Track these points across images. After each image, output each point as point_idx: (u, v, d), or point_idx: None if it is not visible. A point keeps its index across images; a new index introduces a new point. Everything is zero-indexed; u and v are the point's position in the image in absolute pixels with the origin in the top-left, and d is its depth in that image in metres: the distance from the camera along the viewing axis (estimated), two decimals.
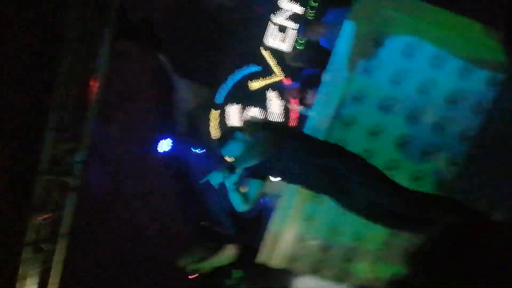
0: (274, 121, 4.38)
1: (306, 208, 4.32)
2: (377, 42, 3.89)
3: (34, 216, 5.14)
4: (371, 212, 3.28)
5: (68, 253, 5.66)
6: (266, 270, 4.45)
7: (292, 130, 3.60)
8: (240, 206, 3.49)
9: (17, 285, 5.32)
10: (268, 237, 4.41)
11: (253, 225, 6.34)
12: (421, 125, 3.97)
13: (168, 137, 6.39)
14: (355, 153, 3.33)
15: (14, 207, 5.17)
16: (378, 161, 4.04)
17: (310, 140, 3.44)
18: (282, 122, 4.31)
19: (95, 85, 5.25)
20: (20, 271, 5.27)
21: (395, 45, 3.88)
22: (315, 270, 4.45)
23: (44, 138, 5.03)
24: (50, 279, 5.53)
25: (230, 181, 3.35)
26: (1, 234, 5.22)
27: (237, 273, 4.49)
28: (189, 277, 3.91)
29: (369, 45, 3.88)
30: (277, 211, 4.41)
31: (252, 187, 3.55)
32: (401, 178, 3.53)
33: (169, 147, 6.39)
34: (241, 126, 3.55)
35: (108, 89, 5.58)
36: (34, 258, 5.34)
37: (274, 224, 4.38)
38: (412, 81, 3.93)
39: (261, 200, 6.35)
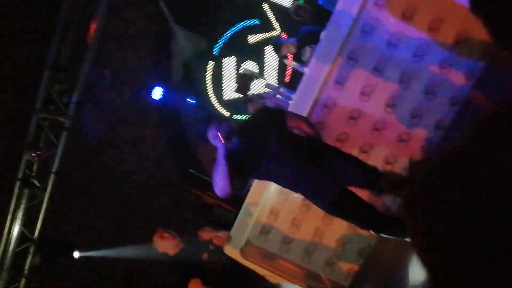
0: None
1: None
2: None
3: (28, 152, 5.23)
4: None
5: (57, 190, 5.79)
6: None
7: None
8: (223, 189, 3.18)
9: (8, 217, 5.46)
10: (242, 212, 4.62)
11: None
12: (412, 89, 4.10)
13: (160, 86, 6.44)
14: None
15: (9, 143, 5.25)
16: (367, 121, 4.22)
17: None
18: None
19: (93, 28, 5.26)
20: (12, 205, 5.39)
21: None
22: (287, 243, 4.66)
23: (41, 77, 5.08)
24: (40, 214, 5.66)
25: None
26: None
27: None
28: None
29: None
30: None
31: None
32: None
33: (161, 95, 6.46)
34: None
35: (106, 32, 5.59)
36: (25, 193, 5.46)
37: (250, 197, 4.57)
38: (409, 45, 4.03)
39: None
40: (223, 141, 3.12)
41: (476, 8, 1.24)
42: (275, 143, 3.24)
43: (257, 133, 3.31)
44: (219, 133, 3.13)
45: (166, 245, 4.55)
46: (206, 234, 4.83)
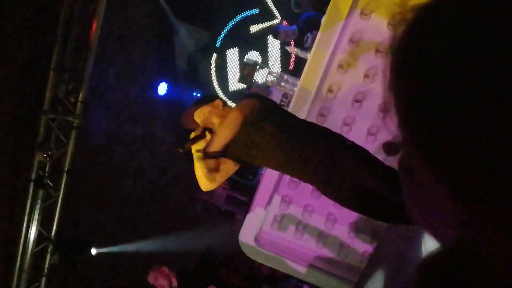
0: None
1: None
2: None
3: (39, 153, 5.31)
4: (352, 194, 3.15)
5: (71, 189, 5.87)
6: None
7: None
8: (204, 184, 3.12)
9: (25, 219, 5.55)
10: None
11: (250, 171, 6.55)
12: None
13: (165, 81, 6.49)
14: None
15: (20, 146, 5.34)
16: (373, 104, 4.23)
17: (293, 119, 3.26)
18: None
19: (95, 26, 5.30)
20: (27, 206, 5.49)
21: None
22: (300, 230, 4.73)
23: (46, 79, 5.15)
24: (55, 213, 5.75)
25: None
26: (8, 172, 5.40)
27: None
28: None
29: None
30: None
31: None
32: None
33: (165, 91, 6.51)
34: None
35: (108, 31, 5.64)
36: (39, 193, 5.54)
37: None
38: None
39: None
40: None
41: None
42: None
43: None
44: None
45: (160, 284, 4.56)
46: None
